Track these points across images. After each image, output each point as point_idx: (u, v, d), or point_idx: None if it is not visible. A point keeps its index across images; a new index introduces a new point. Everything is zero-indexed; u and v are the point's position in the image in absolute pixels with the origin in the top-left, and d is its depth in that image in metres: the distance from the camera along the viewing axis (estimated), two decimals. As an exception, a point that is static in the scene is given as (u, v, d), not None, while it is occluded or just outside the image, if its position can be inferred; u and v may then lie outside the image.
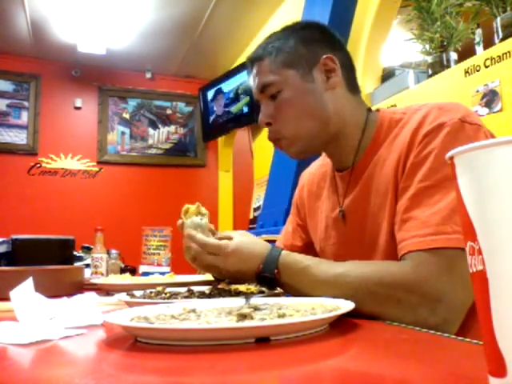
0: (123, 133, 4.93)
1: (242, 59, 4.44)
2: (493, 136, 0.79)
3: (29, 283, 0.66)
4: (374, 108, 0.95)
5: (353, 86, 0.92)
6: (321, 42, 0.91)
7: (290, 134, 0.89)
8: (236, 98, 4.38)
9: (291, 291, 0.83)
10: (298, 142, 0.89)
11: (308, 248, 1.05)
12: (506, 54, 1.80)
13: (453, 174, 0.31)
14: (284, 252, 0.83)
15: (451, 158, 0.31)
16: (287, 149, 0.92)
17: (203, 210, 0.96)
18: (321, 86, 0.88)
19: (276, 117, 0.89)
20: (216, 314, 0.59)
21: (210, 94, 4.73)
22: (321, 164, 1.08)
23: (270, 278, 0.81)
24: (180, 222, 0.95)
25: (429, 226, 0.70)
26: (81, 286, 1.25)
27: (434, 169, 0.73)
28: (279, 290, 0.89)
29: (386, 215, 0.81)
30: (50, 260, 1.52)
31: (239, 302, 0.70)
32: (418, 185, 0.74)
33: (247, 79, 4.18)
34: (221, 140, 5.11)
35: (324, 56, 0.88)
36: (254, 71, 0.92)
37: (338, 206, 0.93)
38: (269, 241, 0.95)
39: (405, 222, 0.74)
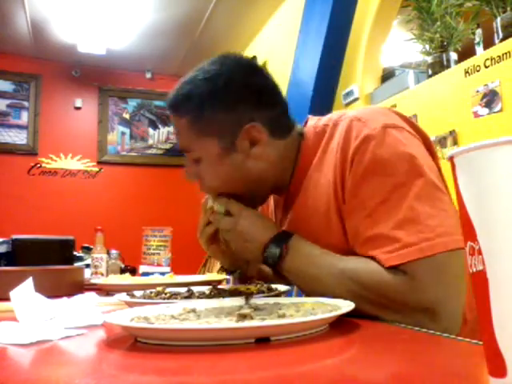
0: (123, 133, 4.93)
1: (242, 59, 4.44)
2: (417, 131, 0.79)
3: (29, 283, 0.66)
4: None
5: (283, 131, 0.88)
6: (247, 100, 0.83)
7: (221, 194, 0.86)
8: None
9: (291, 275, 0.81)
10: (233, 198, 0.86)
11: None
12: (505, 54, 1.80)
13: (453, 174, 0.31)
14: (296, 235, 0.81)
15: (451, 158, 0.31)
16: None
17: None
18: (244, 154, 0.83)
19: (201, 178, 0.87)
20: (216, 314, 0.59)
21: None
22: None
23: (276, 253, 0.79)
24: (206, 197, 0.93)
25: (395, 241, 0.68)
26: (81, 286, 1.25)
27: (378, 182, 0.72)
28: (279, 289, 0.89)
29: (333, 235, 0.79)
30: (50, 260, 1.52)
31: (239, 302, 0.70)
32: (369, 203, 0.72)
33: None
34: (221, 140, 5.11)
35: (247, 125, 0.82)
36: (174, 122, 0.87)
37: (279, 225, 0.93)
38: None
39: (369, 242, 0.72)
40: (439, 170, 0.80)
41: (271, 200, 1.02)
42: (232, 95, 0.83)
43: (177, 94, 0.86)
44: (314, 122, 0.90)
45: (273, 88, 0.88)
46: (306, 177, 0.86)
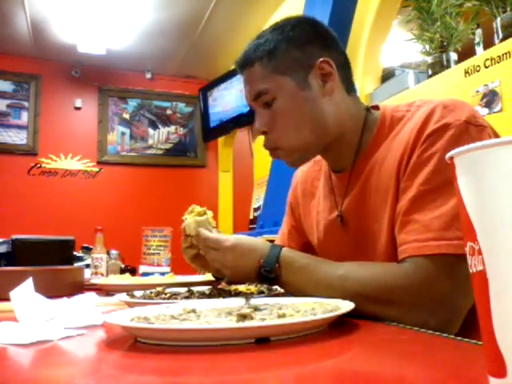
0: (123, 133, 4.93)
1: (242, 59, 4.44)
2: (497, 136, 0.78)
3: (29, 283, 0.66)
4: (374, 104, 0.93)
5: (349, 86, 0.89)
6: (314, 42, 0.86)
7: (288, 145, 0.86)
8: (236, 98, 4.38)
9: (291, 289, 0.82)
10: (295, 152, 0.87)
11: (305, 248, 1.02)
12: (505, 54, 1.80)
13: (453, 174, 0.31)
14: (285, 249, 0.82)
15: (451, 159, 0.31)
16: (285, 159, 0.89)
17: (209, 213, 0.95)
18: (317, 92, 0.84)
19: (272, 125, 0.86)
20: (216, 315, 0.59)
21: (210, 94, 4.73)
22: (314, 162, 1.05)
23: (270, 275, 0.80)
24: (184, 223, 0.93)
25: (430, 230, 0.69)
26: (81, 287, 1.25)
27: (437, 171, 0.72)
28: (279, 289, 0.89)
29: (387, 214, 0.79)
30: (50, 260, 1.52)
31: (239, 302, 0.70)
32: (420, 187, 0.73)
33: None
34: (221, 140, 5.11)
35: (320, 59, 0.83)
36: (245, 77, 0.88)
37: (335, 208, 0.91)
38: (270, 241, 0.95)
39: (406, 225, 0.73)
40: None
41: (322, 176, 1.00)
42: (301, 36, 0.85)
43: (247, 49, 0.88)
44: (392, 106, 0.89)
45: (337, 39, 0.90)
46: (373, 155, 0.85)
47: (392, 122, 0.85)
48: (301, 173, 1.09)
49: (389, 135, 0.84)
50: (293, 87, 0.84)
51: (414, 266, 0.70)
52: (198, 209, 0.95)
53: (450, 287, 0.67)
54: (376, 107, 0.91)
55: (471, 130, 0.73)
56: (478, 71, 1.93)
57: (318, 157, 0.99)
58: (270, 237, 2.31)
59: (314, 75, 0.84)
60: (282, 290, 0.88)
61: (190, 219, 0.92)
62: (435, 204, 0.70)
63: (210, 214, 0.95)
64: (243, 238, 0.85)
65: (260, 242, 0.86)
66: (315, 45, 0.85)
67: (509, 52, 1.79)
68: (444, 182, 0.71)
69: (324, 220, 0.95)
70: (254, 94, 0.86)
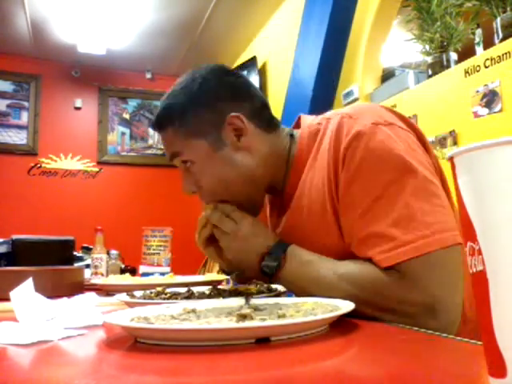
0: (123, 133, 4.93)
1: (242, 59, 4.44)
2: (412, 127, 0.79)
3: (29, 284, 0.66)
4: (298, 120, 0.94)
5: (269, 125, 0.89)
6: (223, 96, 0.86)
7: (225, 199, 0.86)
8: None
9: (289, 284, 0.81)
10: (241, 206, 0.86)
11: None
12: (505, 54, 1.80)
13: (453, 174, 0.31)
14: (293, 244, 0.82)
15: (451, 158, 0.31)
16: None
17: None
18: (233, 147, 0.85)
19: (197, 186, 0.87)
20: (216, 315, 0.59)
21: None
22: None
23: (273, 263, 0.79)
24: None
25: (390, 240, 0.68)
26: (81, 287, 1.25)
27: (371, 180, 0.71)
28: (279, 289, 0.89)
29: (330, 235, 0.78)
30: (50, 260, 1.53)
31: (239, 302, 0.70)
32: (363, 202, 0.71)
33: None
34: (221, 140, 5.11)
35: (230, 115, 0.83)
36: (161, 137, 0.90)
37: (276, 227, 0.92)
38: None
39: (365, 241, 0.71)
40: (435, 165, 0.79)
41: (266, 205, 1.01)
42: (209, 95, 0.85)
43: (159, 112, 0.89)
44: (308, 121, 0.90)
45: (248, 84, 0.90)
46: (301, 178, 0.85)
47: (309, 140, 0.86)
48: None
49: (309, 154, 0.85)
50: (207, 149, 0.84)
51: (387, 278, 0.68)
52: None
53: (438, 288, 0.67)
54: (298, 124, 0.92)
55: (382, 129, 0.74)
56: (477, 71, 1.93)
57: None
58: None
59: (226, 132, 0.84)
60: (282, 290, 0.88)
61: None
62: (384, 211, 0.70)
63: None
64: (260, 223, 0.87)
65: (272, 232, 0.88)
66: (224, 100, 0.86)
67: (509, 52, 1.79)
68: (382, 187, 0.70)
69: None
70: (169, 156, 0.88)
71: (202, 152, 0.84)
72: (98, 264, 1.72)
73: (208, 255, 0.95)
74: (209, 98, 0.85)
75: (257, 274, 0.85)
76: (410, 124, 0.81)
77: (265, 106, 0.91)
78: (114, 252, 2.11)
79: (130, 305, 0.80)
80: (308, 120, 0.90)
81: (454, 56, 2.24)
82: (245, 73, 4.21)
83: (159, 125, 0.88)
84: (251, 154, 0.86)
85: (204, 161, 0.85)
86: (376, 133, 0.73)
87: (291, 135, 0.90)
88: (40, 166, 4.54)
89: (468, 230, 0.30)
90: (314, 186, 0.81)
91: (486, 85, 1.87)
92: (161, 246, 1.97)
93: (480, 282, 0.29)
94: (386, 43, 2.95)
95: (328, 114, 0.86)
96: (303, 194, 0.84)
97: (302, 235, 0.82)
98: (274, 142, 0.89)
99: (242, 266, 0.88)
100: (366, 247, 0.71)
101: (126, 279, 1.36)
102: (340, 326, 0.58)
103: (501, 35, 1.88)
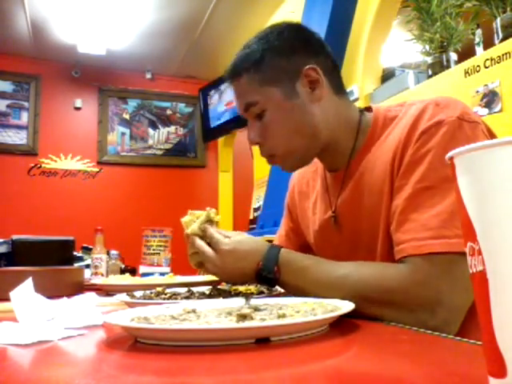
0: (123, 133, 4.93)
1: (241, 59, 4.44)
2: (491, 132, 0.78)
3: (29, 284, 0.66)
4: (367, 106, 0.94)
5: (339, 89, 0.90)
6: (300, 49, 0.86)
7: (282, 152, 0.87)
8: (236, 99, 4.38)
9: (291, 290, 0.82)
10: (290, 158, 0.87)
11: (303, 250, 1.01)
12: (505, 54, 1.80)
13: (453, 175, 0.31)
14: (284, 250, 0.81)
15: (451, 159, 0.31)
16: (282, 165, 0.90)
17: (212, 211, 0.94)
18: (306, 99, 0.85)
19: (265, 136, 0.87)
20: (216, 315, 0.59)
21: (210, 94, 4.73)
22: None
23: (269, 276, 0.79)
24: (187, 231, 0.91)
25: (428, 229, 0.69)
26: (81, 287, 1.25)
27: (433, 169, 0.72)
28: (279, 289, 0.89)
29: (382, 215, 0.79)
30: (49, 260, 1.52)
31: (239, 302, 0.70)
32: (416, 185, 0.72)
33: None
34: (221, 140, 5.11)
35: (306, 67, 0.84)
36: (234, 89, 0.89)
37: (329, 208, 0.92)
38: (270, 241, 0.95)
39: (402, 224, 0.72)
40: None
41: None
42: (286, 45, 0.86)
43: (234, 61, 0.89)
44: (385, 107, 0.90)
45: (323, 43, 0.91)
46: (367, 156, 0.85)
47: (385, 123, 0.85)
48: (297, 174, 1.10)
49: (381, 135, 0.85)
50: (281, 98, 0.84)
51: (413, 266, 0.69)
52: (197, 212, 0.94)
53: (449, 287, 0.67)
54: (369, 109, 0.91)
55: (465, 126, 0.73)
56: (477, 71, 1.93)
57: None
58: (270, 237, 2.31)
59: (301, 83, 0.85)
60: (283, 290, 0.88)
61: (193, 224, 0.91)
62: (432, 202, 0.70)
63: (213, 211, 0.93)
64: (242, 240, 0.85)
65: (259, 242, 0.85)
66: (301, 52, 0.86)
67: (509, 52, 1.79)
68: (440, 180, 0.70)
69: (319, 220, 0.95)
70: (243, 107, 0.87)
71: (276, 100, 0.84)
72: (98, 264, 1.72)
73: (204, 273, 0.96)
74: (286, 48, 0.85)
75: (256, 283, 0.86)
76: (490, 131, 0.79)
77: (336, 68, 0.92)
78: (113, 252, 2.11)
79: (130, 305, 0.80)
80: (384, 106, 0.90)
81: (453, 56, 2.24)
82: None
83: (234, 72, 0.88)
84: (322, 108, 0.86)
85: (276, 109, 0.85)
86: (457, 127, 0.72)
87: (361, 111, 0.90)
88: (40, 166, 4.54)
89: (468, 230, 0.30)
90: (378, 165, 0.82)
91: (485, 85, 1.87)
92: (161, 246, 1.97)
93: (480, 282, 0.29)
94: (385, 43, 2.95)
95: (411, 101, 0.85)
96: (366, 172, 0.84)
97: (359, 213, 0.83)
98: (342, 107, 0.89)
99: (239, 282, 0.90)
100: (404, 230, 0.72)
101: (126, 279, 1.36)
102: (340, 326, 0.58)
103: (501, 35, 1.88)
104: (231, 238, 0.85)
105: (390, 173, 0.78)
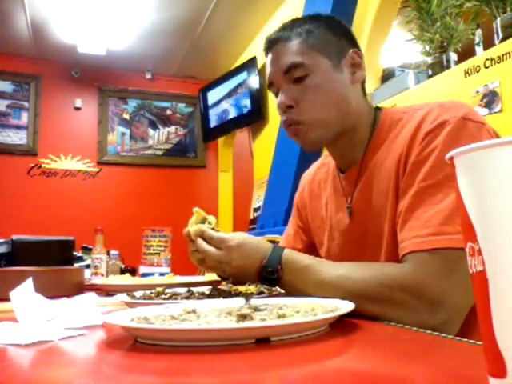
0: (123, 133, 4.93)
1: (242, 59, 4.44)
2: (496, 133, 0.78)
3: (29, 284, 0.66)
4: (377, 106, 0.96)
5: (364, 86, 0.93)
6: (347, 35, 0.91)
7: (312, 119, 0.86)
8: (236, 99, 4.39)
9: (292, 291, 0.82)
10: (317, 128, 0.87)
11: (309, 250, 1.03)
12: (505, 54, 1.80)
13: (453, 175, 0.31)
14: (287, 250, 0.82)
15: (451, 159, 0.31)
16: (304, 135, 0.88)
17: (212, 218, 0.94)
18: (347, 77, 0.88)
19: (300, 100, 0.86)
20: (216, 315, 0.59)
21: (210, 94, 4.73)
22: (321, 164, 1.07)
23: (272, 276, 0.79)
24: (186, 230, 0.91)
25: (430, 225, 0.69)
26: (81, 287, 1.25)
27: (436, 167, 0.72)
28: (279, 289, 0.89)
29: (388, 215, 0.80)
30: (49, 261, 1.52)
31: (239, 302, 0.70)
32: (420, 184, 0.73)
33: (247, 79, 4.18)
34: (221, 141, 5.11)
35: (352, 50, 0.88)
36: (278, 51, 0.88)
37: (343, 206, 0.92)
38: (270, 241, 0.95)
39: (406, 222, 0.73)
40: None
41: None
42: (335, 27, 0.90)
43: (283, 27, 0.91)
44: (393, 110, 0.91)
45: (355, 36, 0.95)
46: (375, 156, 0.86)
47: (391, 124, 0.86)
48: (308, 175, 1.11)
49: (388, 137, 0.85)
50: (328, 67, 0.86)
51: (414, 263, 0.69)
52: (201, 212, 0.93)
53: (450, 284, 0.67)
54: (378, 109, 0.93)
55: (469, 126, 0.73)
56: (477, 71, 1.93)
57: (326, 160, 1.01)
58: (270, 237, 2.31)
59: (345, 62, 0.88)
60: (283, 291, 0.88)
61: (194, 226, 0.90)
62: (435, 199, 0.71)
63: (213, 220, 0.93)
64: (247, 238, 0.85)
65: (263, 242, 0.86)
66: (347, 38, 0.90)
67: (509, 52, 1.79)
68: (444, 178, 0.71)
69: (332, 220, 0.96)
70: (286, 67, 0.87)
71: (323, 68, 0.86)
72: (98, 264, 1.72)
73: (204, 270, 0.96)
74: (336, 29, 0.89)
75: (258, 281, 0.86)
76: (496, 133, 0.79)
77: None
78: (113, 252, 2.11)
79: (130, 305, 0.80)
80: (391, 109, 0.93)
81: (453, 56, 2.24)
82: (245, 73, 4.21)
83: (283, 35, 0.88)
84: (356, 91, 0.89)
85: (322, 76, 0.86)
86: (462, 127, 0.73)
87: (376, 109, 0.92)
88: (40, 167, 4.54)
89: (468, 231, 0.30)
90: (385, 166, 0.83)
91: (485, 85, 1.87)
92: (161, 246, 1.97)
93: (480, 282, 0.29)
94: (385, 44, 2.95)
95: (417, 105, 0.86)
96: (374, 173, 0.85)
97: (370, 212, 0.84)
98: (366, 103, 0.92)
99: (241, 280, 0.90)
100: (406, 227, 0.73)
101: (126, 279, 1.36)
102: (340, 326, 0.58)
103: (501, 35, 1.88)
104: (235, 235, 0.85)
105: (396, 174, 0.79)
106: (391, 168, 0.80)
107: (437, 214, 0.69)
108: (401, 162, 0.78)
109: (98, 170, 4.75)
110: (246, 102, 4.24)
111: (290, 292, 0.83)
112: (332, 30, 0.89)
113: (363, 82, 0.92)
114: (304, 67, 0.85)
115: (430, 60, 2.28)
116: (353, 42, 0.91)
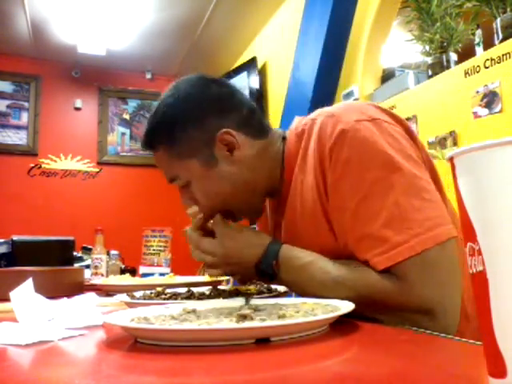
0: (123, 133, 4.92)
1: (242, 59, 4.44)
2: (397, 120, 0.78)
3: (29, 284, 0.66)
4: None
5: (259, 130, 0.88)
6: (210, 112, 0.84)
7: (224, 210, 0.85)
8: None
9: (288, 286, 0.82)
10: (242, 215, 0.88)
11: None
12: (505, 54, 1.80)
13: (452, 175, 0.31)
14: (285, 246, 0.80)
15: (451, 159, 0.31)
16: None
17: None
18: (226, 162, 0.83)
19: (198, 200, 0.86)
20: (216, 315, 0.59)
21: (210, 94, 4.72)
22: None
23: (268, 271, 0.79)
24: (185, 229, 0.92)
25: (383, 241, 0.67)
26: (81, 287, 1.25)
27: (357, 179, 0.71)
28: (279, 289, 0.89)
29: (322, 236, 0.78)
30: (49, 261, 1.52)
31: (239, 302, 0.70)
32: (352, 201, 0.71)
33: (247, 80, 4.18)
34: (221, 140, 5.10)
35: (220, 132, 0.82)
36: (156, 157, 0.88)
37: (272, 234, 0.92)
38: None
39: (359, 243, 0.71)
40: (424, 158, 0.78)
41: (267, 206, 1.01)
42: (194, 111, 0.84)
43: (147, 132, 0.88)
44: (296, 123, 0.89)
45: (232, 92, 0.89)
46: (292, 179, 0.85)
47: (296, 142, 0.85)
48: None
49: (297, 155, 0.84)
50: (200, 169, 0.83)
51: (388, 280, 0.68)
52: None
53: (437, 290, 0.66)
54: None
55: (365, 125, 0.73)
56: (477, 72, 1.93)
57: None
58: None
59: (218, 148, 0.83)
60: (283, 290, 0.88)
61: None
62: (374, 210, 0.69)
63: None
64: (244, 230, 0.84)
65: (261, 235, 0.85)
66: (212, 116, 0.84)
67: (509, 53, 1.79)
68: (369, 185, 0.70)
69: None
70: (168, 179, 0.87)
71: (196, 172, 0.83)
72: (98, 264, 1.72)
73: (205, 271, 0.96)
74: (195, 116, 0.84)
75: (257, 277, 0.85)
76: (396, 118, 0.79)
77: (253, 112, 0.89)
78: (114, 252, 2.11)
79: (130, 305, 0.80)
80: (296, 121, 0.90)
81: (453, 57, 2.24)
82: (245, 73, 4.21)
83: (150, 145, 0.87)
84: (245, 165, 0.84)
85: (199, 180, 0.84)
86: (359, 129, 0.72)
87: (283, 138, 0.90)
88: (40, 167, 4.54)
89: (468, 231, 0.30)
90: (304, 187, 0.81)
91: (485, 85, 1.87)
92: (161, 246, 1.97)
93: (480, 282, 0.29)
94: (385, 44, 2.95)
95: (313, 114, 0.85)
96: (295, 195, 0.83)
97: (298, 236, 0.82)
98: (266, 147, 0.87)
99: (239, 275, 0.88)
100: (361, 250, 0.71)
101: (126, 279, 1.36)
102: (340, 326, 0.58)
103: (501, 36, 1.88)
104: (234, 225, 0.85)
105: (318, 197, 0.77)
106: (311, 190, 0.78)
107: (384, 226, 0.67)
108: (319, 184, 0.76)
109: (97, 170, 4.75)
110: (246, 102, 4.23)
111: (288, 287, 0.83)
112: (192, 119, 0.83)
113: (257, 131, 0.87)
114: (181, 178, 0.84)
115: (430, 60, 2.28)
116: (222, 111, 0.84)
